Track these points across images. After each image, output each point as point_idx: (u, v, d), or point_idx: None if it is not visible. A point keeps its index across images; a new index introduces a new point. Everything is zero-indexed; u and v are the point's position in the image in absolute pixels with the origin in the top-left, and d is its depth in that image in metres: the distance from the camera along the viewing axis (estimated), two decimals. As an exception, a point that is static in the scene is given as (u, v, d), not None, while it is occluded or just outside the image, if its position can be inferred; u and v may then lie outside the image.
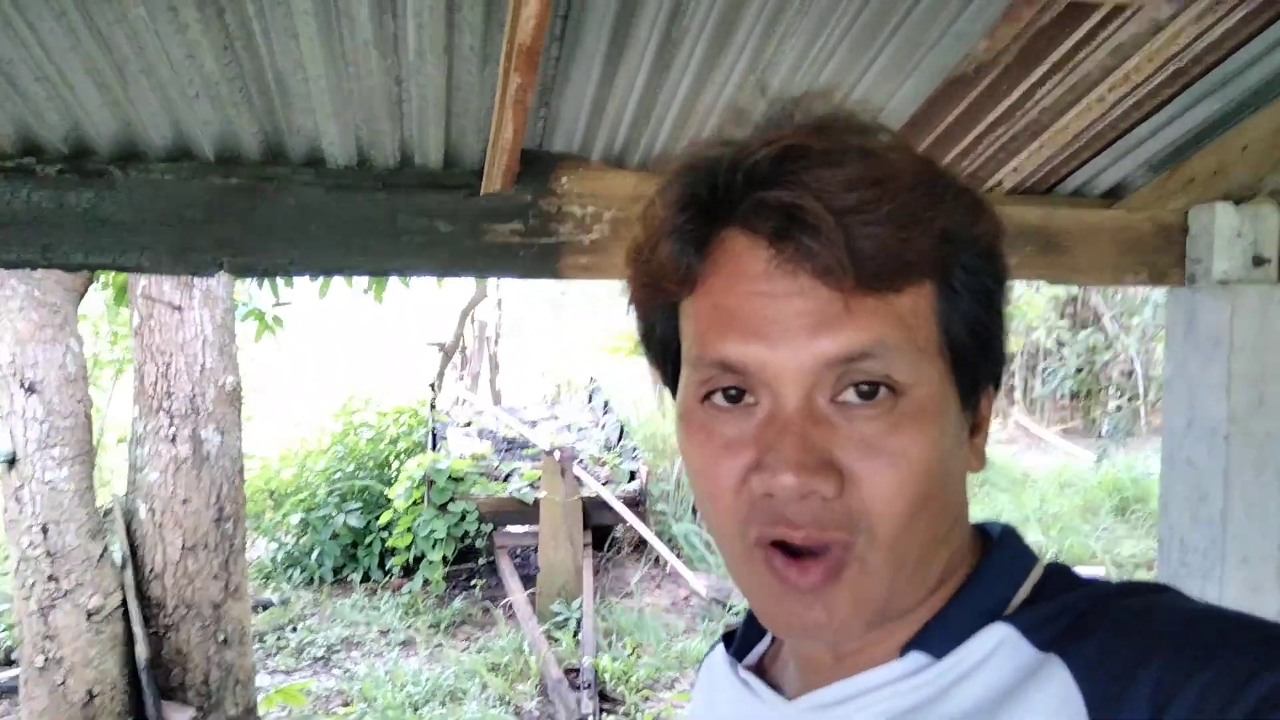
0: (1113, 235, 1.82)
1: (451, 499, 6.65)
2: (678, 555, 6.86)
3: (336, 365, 11.51)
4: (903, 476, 0.51)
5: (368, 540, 6.98)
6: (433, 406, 8.38)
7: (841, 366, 0.51)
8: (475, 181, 1.55)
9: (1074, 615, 0.54)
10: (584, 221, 1.44)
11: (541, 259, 1.44)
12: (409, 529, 6.56)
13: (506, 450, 7.95)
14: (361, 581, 6.79)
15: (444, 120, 1.49)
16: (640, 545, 7.11)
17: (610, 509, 6.82)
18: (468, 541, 6.77)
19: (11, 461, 3.02)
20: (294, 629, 6.09)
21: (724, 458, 0.53)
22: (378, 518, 6.89)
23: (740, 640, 0.70)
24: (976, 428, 0.59)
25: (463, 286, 11.20)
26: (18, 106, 1.33)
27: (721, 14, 1.30)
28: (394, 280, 4.33)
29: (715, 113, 1.51)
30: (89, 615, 3.14)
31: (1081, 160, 1.74)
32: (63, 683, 3.13)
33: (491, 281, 12.16)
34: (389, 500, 6.83)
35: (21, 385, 2.98)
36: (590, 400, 9.94)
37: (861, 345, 0.50)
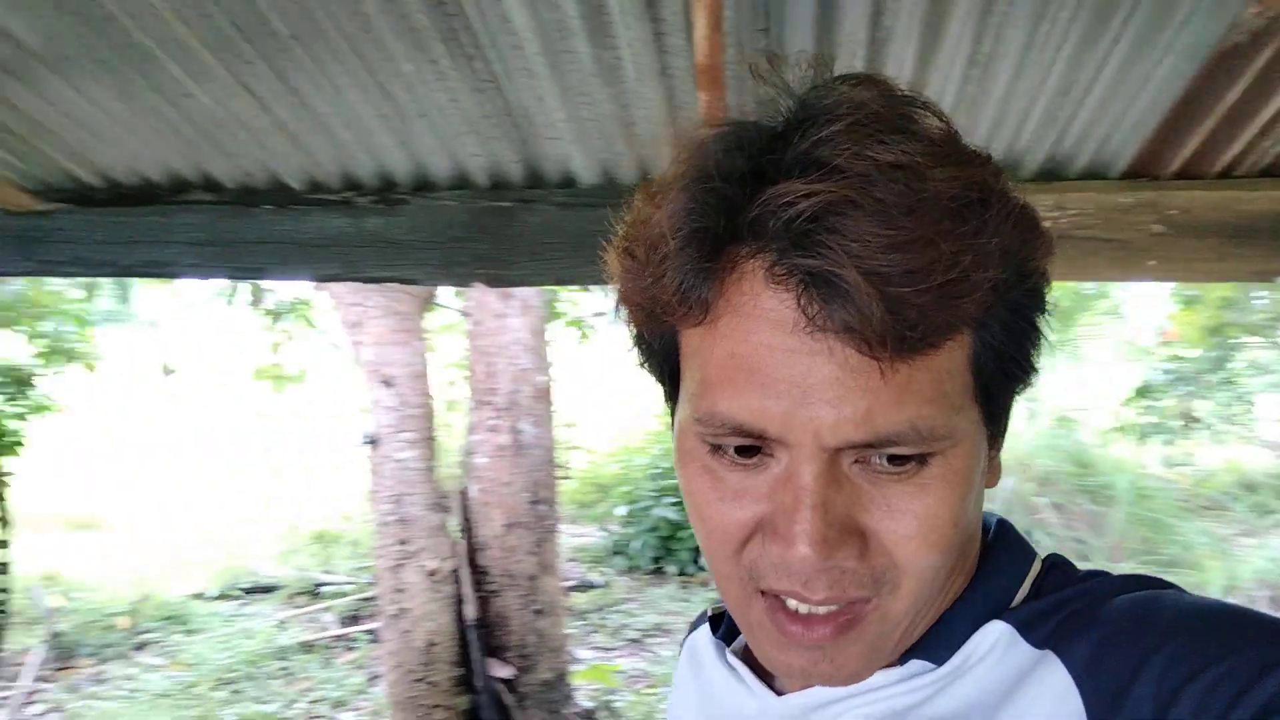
0: None
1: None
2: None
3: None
4: (931, 537, 0.48)
5: (682, 534, 7.34)
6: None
7: (867, 448, 0.47)
8: (707, 193, 1.64)
9: (1071, 612, 0.52)
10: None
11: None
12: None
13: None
14: (678, 574, 7.16)
15: (672, 139, 1.60)
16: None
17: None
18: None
19: (373, 442, 3.69)
20: (614, 611, 6.57)
21: (732, 507, 0.50)
22: (693, 515, 7.21)
23: (729, 622, 0.67)
24: (994, 440, 0.54)
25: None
26: (336, 150, 1.65)
27: (928, 8, 1.27)
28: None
29: (944, 103, 1.47)
30: (429, 575, 3.71)
31: None
32: (409, 630, 3.74)
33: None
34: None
35: (380, 380, 3.62)
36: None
37: (890, 432, 0.46)
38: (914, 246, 0.43)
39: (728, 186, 0.47)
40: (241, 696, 4.94)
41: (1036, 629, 0.52)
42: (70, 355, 6.07)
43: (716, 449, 0.49)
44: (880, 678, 0.54)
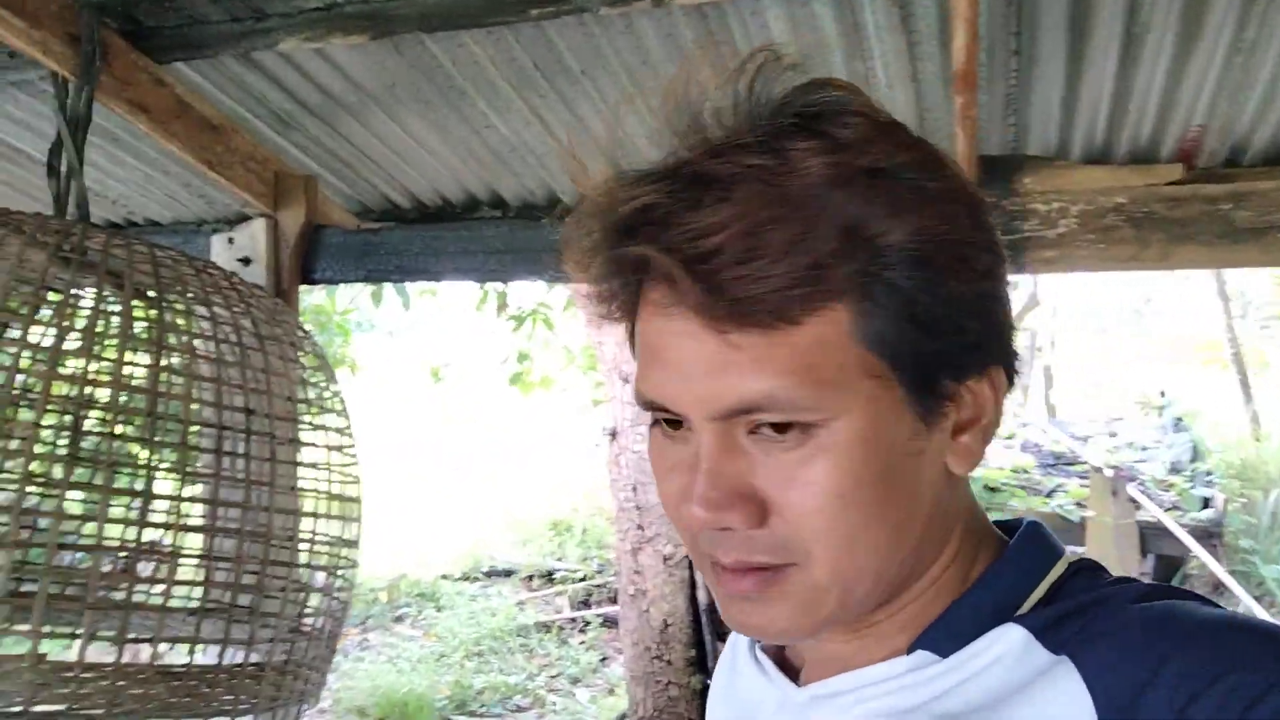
0: None
1: (986, 509, 6.54)
2: (1259, 602, 5.84)
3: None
4: (822, 505, 0.50)
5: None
6: (973, 415, 8.27)
7: (740, 415, 0.50)
8: (952, 190, 1.71)
9: (1089, 617, 0.52)
10: (1049, 217, 1.52)
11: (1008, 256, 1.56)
12: (942, 533, 6.62)
13: (1052, 466, 7.52)
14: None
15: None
16: (1220, 587, 6.19)
17: (1175, 539, 6.07)
18: (1004, 554, 6.58)
19: (613, 435, 3.96)
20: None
21: (670, 478, 0.55)
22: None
23: None
24: (965, 425, 0.54)
25: (1015, 297, 10.75)
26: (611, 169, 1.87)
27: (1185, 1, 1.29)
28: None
29: (1204, 92, 1.47)
30: (664, 559, 3.95)
31: None
32: (646, 610, 3.99)
33: (1046, 290, 11.50)
34: (924, 503, 6.96)
35: (620, 376, 3.89)
36: (1161, 416, 8.85)
37: (750, 399, 0.49)
38: (724, 226, 0.47)
39: (603, 198, 0.52)
40: (488, 667, 5.41)
41: (1053, 633, 0.52)
42: (337, 360, 6.89)
43: (656, 424, 0.55)
44: (886, 669, 0.56)
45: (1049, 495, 6.73)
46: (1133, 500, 6.10)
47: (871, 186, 0.49)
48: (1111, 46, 1.39)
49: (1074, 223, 1.52)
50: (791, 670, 0.63)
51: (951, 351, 0.52)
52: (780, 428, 0.50)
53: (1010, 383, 0.55)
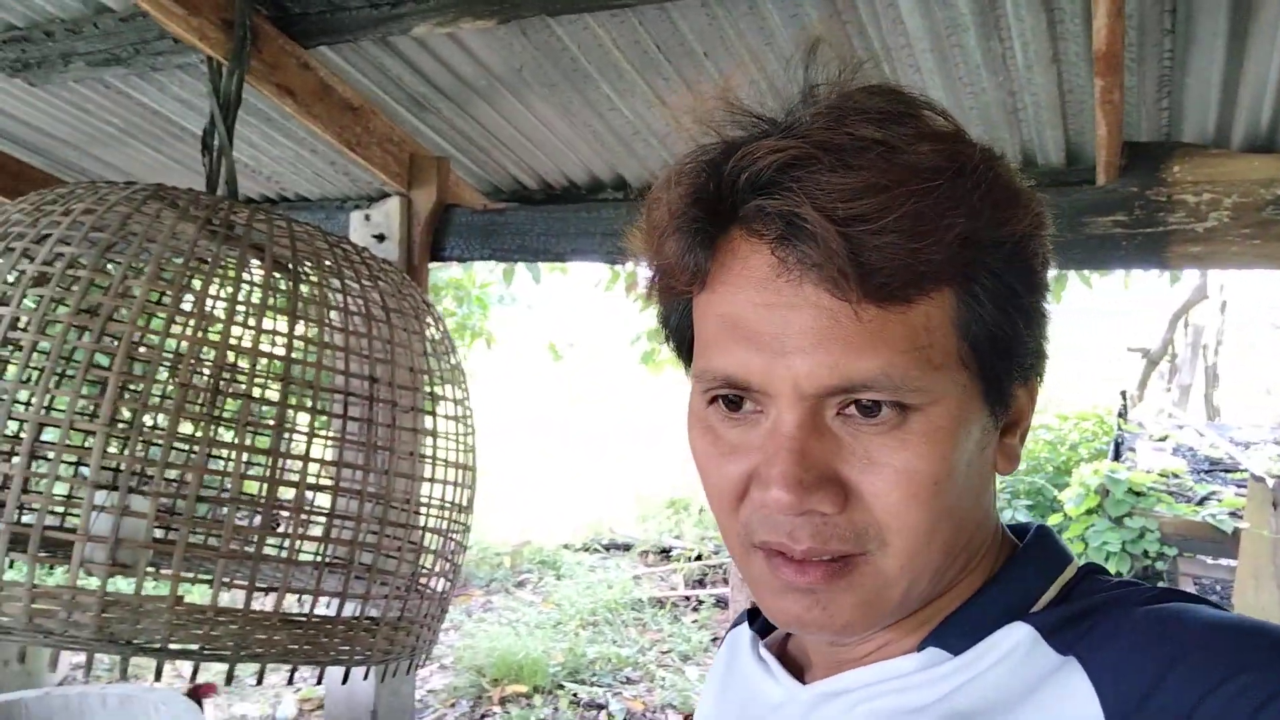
0: None
1: (1129, 513, 6.19)
2: None
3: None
4: (911, 492, 0.49)
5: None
6: (1121, 415, 7.82)
7: (841, 393, 0.49)
8: (1094, 177, 1.62)
9: (1097, 619, 0.51)
10: (1198, 209, 1.42)
11: (1146, 249, 1.46)
12: (1080, 537, 6.31)
13: (1207, 472, 7.02)
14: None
15: (1060, 122, 1.60)
16: (1392, 613, 5.64)
17: (1344, 559, 5.56)
18: (1148, 561, 6.22)
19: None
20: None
21: (728, 462, 0.52)
22: (1046, 519, 6.76)
23: (764, 616, 0.68)
24: (1010, 427, 0.55)
25: (1178, 289, 10.04)
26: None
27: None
28: (1074, 281, 4.27)
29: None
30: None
31: None
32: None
33: (1214, 282, 10.67)
34: (1060, 504, 6.65)
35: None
36: (1336, 426, 8.10)
37: (863, 377, 0.48)
38: (870, 192, 0.46)
39: (718, 157, 0.51)
40: (601, 638, 5.53)
41: (1061, 634, 0.51)
42: (475, 333, 7.13)
43: (713, 401, 0.53)
44: (895, 666, 0.55)
45: (1200, 503, 6.30)
46: (1297, 514, 5.62)
47: (984, 179, 0.49)
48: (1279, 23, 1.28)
49: (1226, 215, 1.41)
50: (795, 668, 0.63)
51: (1021, 354, 0.53)
52: (873, 409, 0.49)
53: (1040, 387, 0.57)
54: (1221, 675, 0.45)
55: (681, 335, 0.58)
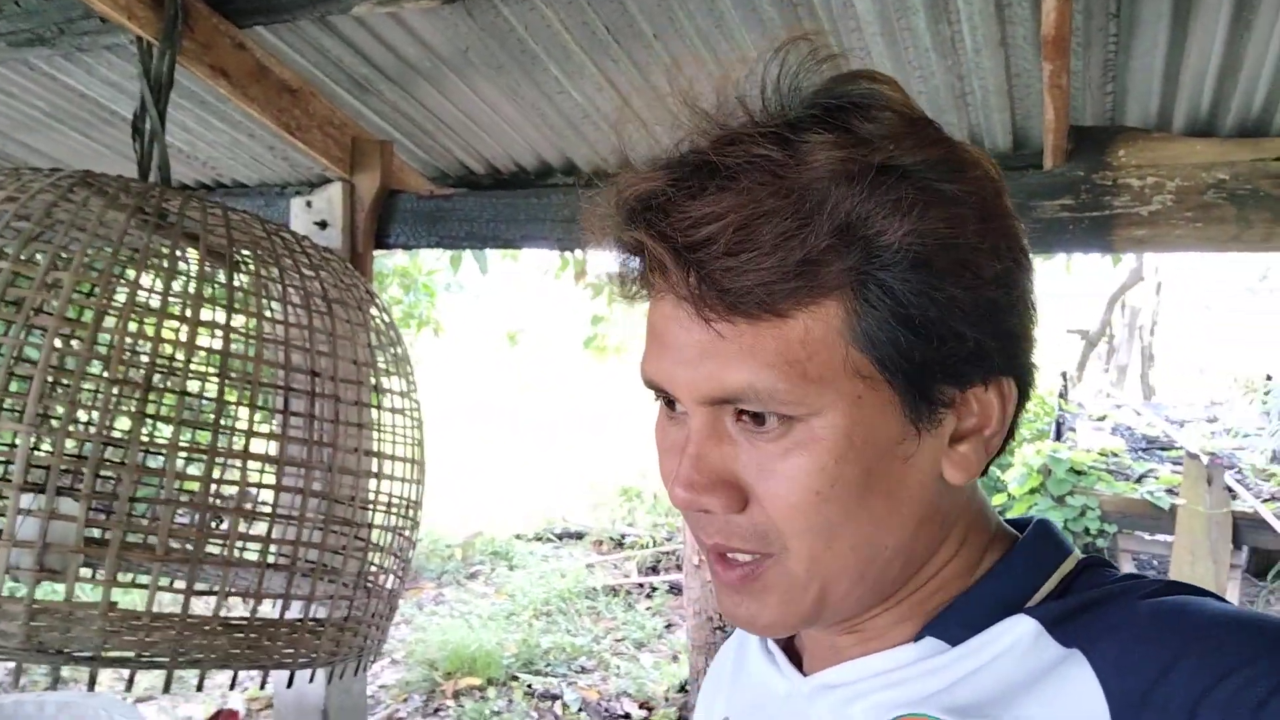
0: None
1: (1070, 492, 6.35)
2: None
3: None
4: (794, 500, 0.50)
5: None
6: (1062, 395, 8.02)
7: (723, 403, 0.51)
8: (1041, 161, 1.63)
9: (1100, 612, 0.52)
10: (1142, 193, 1.44)
11: (1092, 233, 1.47)
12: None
13: (1144, 450, 7.24)
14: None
15: (1008, 106, 1.61)
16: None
17: (1272, 531, 5.78)
18: (1089, 539, 6.39)
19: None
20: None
21: (668, 458, 0.56)
22: (990, 499, 6.90)
23: None
24: (964, 434, 0.53)
25: (1116, 271, 10.29)
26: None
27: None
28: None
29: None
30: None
31: None
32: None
33: (1149, 264, 10.97)
34: (1005, 484, 6.79)
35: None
36: (1265, 403, 8.40)
37: (731, 389, 0.50)
38: (718, 218, 0.47)
39: (618, 180, 0.53)
40: (555, 628, 5.51)
41: (1064, 627, 0.52)
42: (422, 321, 7.02)
43: (658, 402, 0.57)
44: (893, 658, 0.56)
45: (1138, 480, 6.49)
46: (1229, 489, 5.83)
47: (878, 184, 0.48)
48: (1223, 9, 1.29)
49: (1169, 199, 1.43)
50: (799, 660, 0.65)
51: (949, 358, 0.50)
52: (759, 418, 0.51)
53: (1024, 395, 0.55)
54: (1226, 668, 0.45)
55: None
